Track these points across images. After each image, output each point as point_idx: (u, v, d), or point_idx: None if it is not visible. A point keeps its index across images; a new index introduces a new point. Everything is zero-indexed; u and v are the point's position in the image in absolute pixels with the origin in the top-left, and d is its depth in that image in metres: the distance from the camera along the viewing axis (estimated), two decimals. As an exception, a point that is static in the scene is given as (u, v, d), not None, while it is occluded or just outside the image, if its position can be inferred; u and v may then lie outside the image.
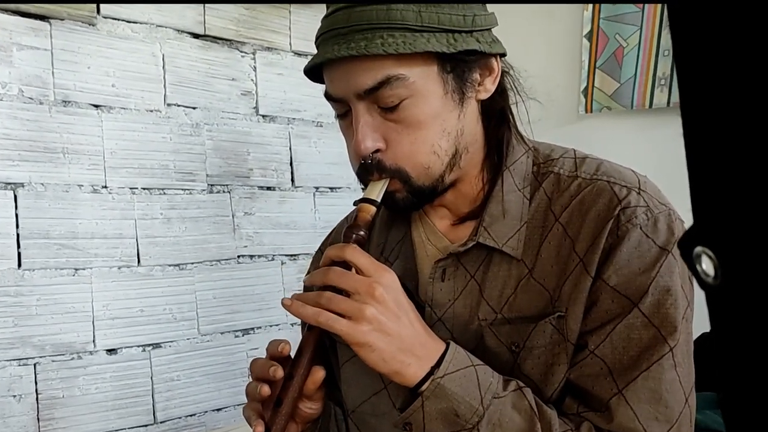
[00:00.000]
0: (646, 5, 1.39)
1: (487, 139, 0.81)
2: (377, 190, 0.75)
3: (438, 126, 0.75)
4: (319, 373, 0.74)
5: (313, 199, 1.54)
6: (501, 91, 0.80)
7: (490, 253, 0.77)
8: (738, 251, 0.30)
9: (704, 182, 0.31)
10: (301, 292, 0.95)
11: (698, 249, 0.29)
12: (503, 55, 0.78)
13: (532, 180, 0.80)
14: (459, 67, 0.75)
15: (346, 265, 0.71)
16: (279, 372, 0.71)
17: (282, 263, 1.49)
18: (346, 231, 0.75)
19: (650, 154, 1.39)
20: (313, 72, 0.78)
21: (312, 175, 1.54)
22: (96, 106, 1.25)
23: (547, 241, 0.75)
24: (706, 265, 0.30)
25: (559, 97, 0.90)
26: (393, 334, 0.68)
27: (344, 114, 0.77)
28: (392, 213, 0.86)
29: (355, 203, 0.77)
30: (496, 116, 0.80)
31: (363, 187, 0.78)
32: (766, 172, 0.27)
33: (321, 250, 0.96)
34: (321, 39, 0.74)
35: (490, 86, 0.77)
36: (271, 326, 1.46)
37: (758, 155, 0.27)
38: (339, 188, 1.60)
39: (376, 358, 0.68)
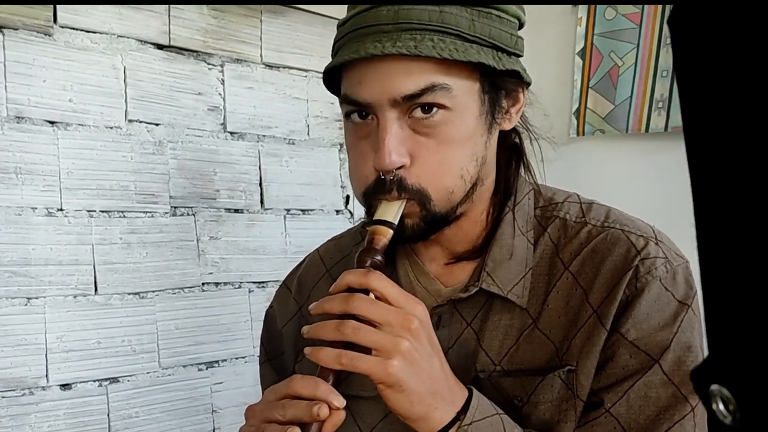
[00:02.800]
0: (644, 23, 1.48)
1: (496, 174, 0.85)
2: (394, 211, 0.77)
3: (469, 148, 0.77)
4: (339, 415, 0.71)
5: (283, 223, 1.62)
6: (515, 131, 0.85)
7: (491, 299, 0.81)
8: (760, 394, 0.29)
9: (721, 307, 0.31)
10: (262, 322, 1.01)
11: (714, 387, 0.30)
12: (529, 85, 0.83)
13: (535, 224, 0.85)
14: (497, 89, 0.79)
15: (366, 291, 0.72)
16: (325, 410, 0.69)
17: (250, 291, 1.56)
18: (360, 255, 0.76)
19: (647, 182, 1.47)
20: (331, 74, 0.80)
21: (283, 196, 1.62)
22: (51, 122, 1.32)
23: (555, 290, 0.80)
24: (723, 406, 0.30)
25: (549, 118, 0.97)
26: (425, 374, 0.70)
27: (362, 122, 0.79)
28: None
29: (366, 225, 0.79)
30: (509, 151, 0.86)
31: (368, 209, 0.80)
32: None
33: (287, 286, 1.00)
34: (352, 35, 0.76)
35: (514, 116, 0.82)
36: (237, 359, 1.53)
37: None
38: (312, 210, 1.68)
39: (404, 400, 0.68)
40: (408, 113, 0.76)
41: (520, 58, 0.82)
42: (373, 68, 0.75)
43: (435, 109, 0.75)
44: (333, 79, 0.82)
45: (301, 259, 1.04)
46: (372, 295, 0.72)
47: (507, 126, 0.82)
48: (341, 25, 0.80)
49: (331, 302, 0.72)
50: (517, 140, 0.87)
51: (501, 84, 0.79)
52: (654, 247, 0.78)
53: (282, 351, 0.98)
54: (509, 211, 0.84)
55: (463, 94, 0.76)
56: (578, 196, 0.87)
